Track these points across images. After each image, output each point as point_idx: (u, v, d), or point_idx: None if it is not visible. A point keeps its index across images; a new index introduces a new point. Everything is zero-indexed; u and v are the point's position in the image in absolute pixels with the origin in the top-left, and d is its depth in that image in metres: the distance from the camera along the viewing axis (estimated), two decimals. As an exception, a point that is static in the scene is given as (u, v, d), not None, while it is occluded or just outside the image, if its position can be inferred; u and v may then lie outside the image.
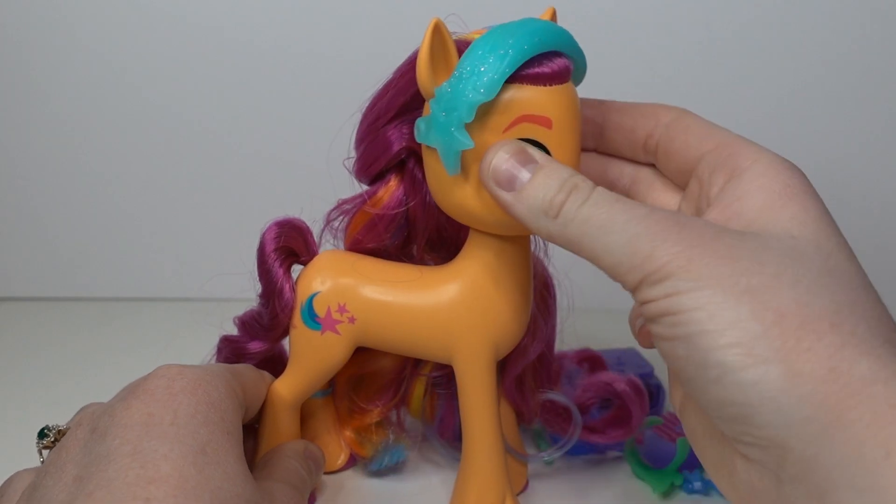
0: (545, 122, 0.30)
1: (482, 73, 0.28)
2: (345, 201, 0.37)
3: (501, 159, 0.29)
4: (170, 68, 0.60)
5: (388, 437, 0.41)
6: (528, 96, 0.30)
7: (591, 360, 0.46)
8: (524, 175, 0.29)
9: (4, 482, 0.31)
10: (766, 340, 0.23)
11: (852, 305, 0.24)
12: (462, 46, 0.30)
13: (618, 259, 0.26)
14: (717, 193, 0.29)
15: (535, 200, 0.28)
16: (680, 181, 0.32)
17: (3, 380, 0.53)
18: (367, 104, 0.35)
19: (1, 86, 0.60)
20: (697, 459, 0.40)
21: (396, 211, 0.35)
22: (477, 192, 0.31)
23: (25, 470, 0.31)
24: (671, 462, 0.40)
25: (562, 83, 0.30)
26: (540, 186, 0.28)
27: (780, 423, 0.23)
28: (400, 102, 0.33)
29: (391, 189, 0.35)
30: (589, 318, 0.41)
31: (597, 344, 0.47)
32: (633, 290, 0.26)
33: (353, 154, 0.37)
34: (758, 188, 0.28)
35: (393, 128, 0.34)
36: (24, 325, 0.61)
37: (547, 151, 0.30)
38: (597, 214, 0.27)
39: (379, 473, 0.41)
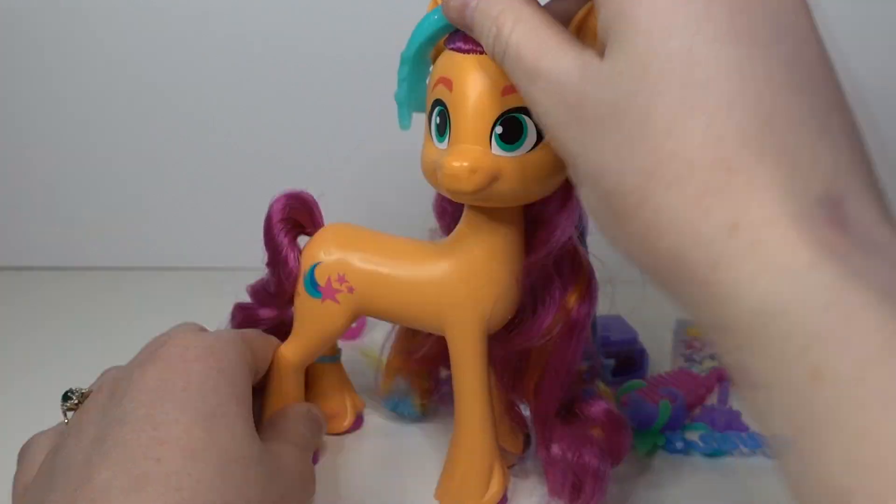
0: (448, 84, 0.31)
1: (413, 35, 0.33)
2: None
3: None
4: (182, 42, 0.60)
5: (402, 383, 0.43)
6: (448, 61, 0.32)
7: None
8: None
9: (23, 445, 0.32)
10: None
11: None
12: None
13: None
14: None
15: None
16: None
17: (27, 346, 0.54)
18: None
19: (17, 60, 0.61)
20: (680, 421, 0.42)
21: None
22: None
23: (42, 433, 0.32)
24: (654, 423, 0.41)
25: (481, 54, 0.31)
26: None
27: None
28: None
29: None
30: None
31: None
32: None
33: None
34: None
35: None
36: (46, 294, 0.62)
37: (448, 113, 0.31)
38: (514, 47, 0.26)
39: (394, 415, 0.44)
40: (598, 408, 0.37)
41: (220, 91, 0.62)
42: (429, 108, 0.33)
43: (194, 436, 0.28)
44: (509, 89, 0.30)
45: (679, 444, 0.41)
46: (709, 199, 0.20)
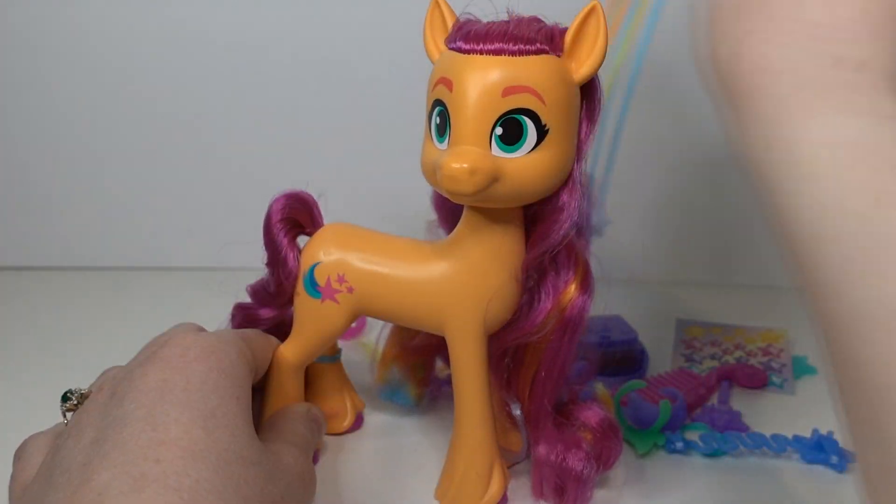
0: (448, 84, 0.31)
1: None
2: None
3: None
4: (182, 44, 0.60)
5: (397, 374, 0.43)
6: (448, 62, 0.32)
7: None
8: None
9: (20, 445, 0.32)
10: None
11: None
12: (452, 31, 0.33)
13: None
14: None
15: None
16: None
17: (27, 345, 0.54)
18: None
19: (17, 61, 0.61)
20: (679, 421, 0.41)
21: None
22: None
23: (39, 433, 0.32)
24: (654, 423, 0.41)
25: (482, 54, 0.31)
26: None
27: None
28: None
29: None
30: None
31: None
32: None
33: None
34: None
35: None
36: (46, 294, 0.62)
37: (448, 114, 0.31)
38: None
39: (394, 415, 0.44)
40: (591, 413, 0.37)
41: (220, 92, 0.62)
42: (429, 107, 0.33)
43: (194, 436, 0.28)
44: (510, 90, 0.30)
45: (679, 444, 0.41)
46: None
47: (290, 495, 0.32)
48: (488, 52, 0.31)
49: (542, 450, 0.36)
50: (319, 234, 0.38)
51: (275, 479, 0.30)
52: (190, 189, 0.65)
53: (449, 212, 0.39)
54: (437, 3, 0.33)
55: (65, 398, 0.32)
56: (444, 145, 0.32)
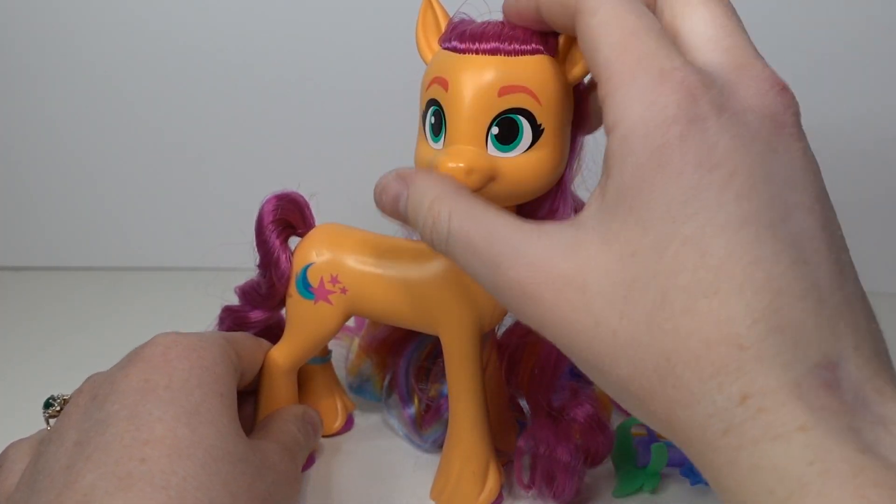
0: (444, 84, 0.31)
1: None
2: None
3: (382, 186, 0.31)
4: (178, 44, 0.60)
5: (367, 367, 0.43)
6: (443, 61, 0.32)
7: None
8: (403, 195, 0.29)
9: (1, 453, 0.32)
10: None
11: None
12: (446, 30, 0.33)
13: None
14: None
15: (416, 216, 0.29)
16: None
17: (10, 348, 0.54)
18: None
19: (16, 61, 0.61)
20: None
21: None
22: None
23: (21, 440, 0.32)
24: (647, 465, 0.39)
25: (477, 54, 0.31)
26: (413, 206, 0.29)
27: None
28: None
29: None
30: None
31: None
32: None
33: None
34: (616, 166, 0.24)
35: None
36: (31, 294, 0.62)
37: (444, 114, 0.31)
38: (455, 235, 0.27)
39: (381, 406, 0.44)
40: (580, 410, 0.38)
41: (213, 93, 0.62)
42: (423, 107, 0.32)
43: (179, 434, 0.27)
44: (505, 90, 0.30)
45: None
46: (723, 375, 0.21)
47: (277, 493, 0.31)
48: (484, 52, 0.31)
49: (531, 442, 0.37)
50: (311, 234, 0.38)
51: (262, 475, 0.30)
52: (184, 190, 0.65)
53: None
54: (429, 2, 0.33)
55: (47, 404, 0.32)
56: (440, 145, 0.31)
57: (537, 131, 0.31)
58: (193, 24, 0.60)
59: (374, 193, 0.31)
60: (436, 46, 0.33)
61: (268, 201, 0.39)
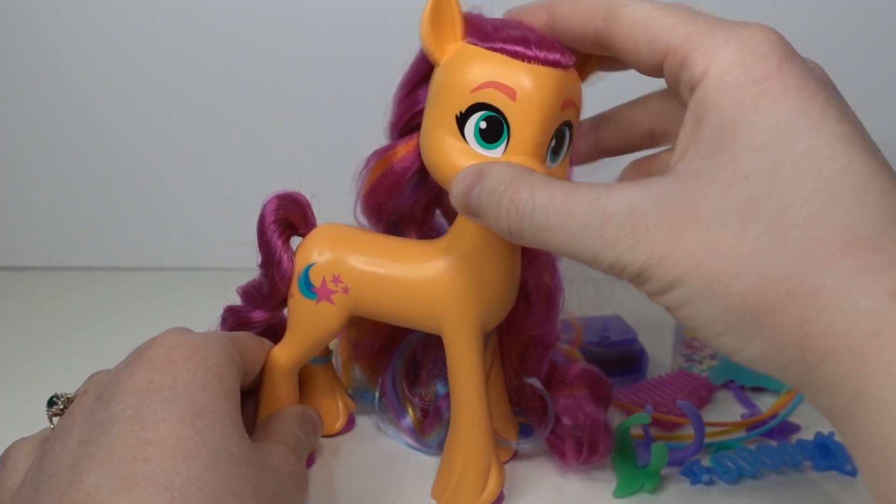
0: (510, 93, 0.30)
1: None
2: (372, 154, 0.38)
3: (458, 180, 0.30)
4: (179, 45, 0.60)
5: (361, 375, 0.44)
6: (500, 66, 0.31)
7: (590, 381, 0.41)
8: (477, 188, 0.29)
9: (5, 451, 0.32)
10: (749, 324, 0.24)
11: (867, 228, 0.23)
12: (481, 26, 0.32)
13: (590, 257, 0.26)
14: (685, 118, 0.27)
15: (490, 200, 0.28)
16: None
17: (15, 347, 0.54)
18: (407, 68, 0.36)
19: (16, 61, 0.61)
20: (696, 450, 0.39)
21: (408, 166, 0.36)
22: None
23: (24, 438, 0.32)
24: (646, 465, 0.38)
25: (543, 65, 0.31)
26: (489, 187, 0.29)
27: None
28: (429, 66, 0.34)
29: (411, 146, 0.36)
30: (574, 287, 0.41)
31: (582, 311, 0.48)
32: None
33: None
34: (713, 107, 0.25)
35: (422, 89, 0.35)
36: (31, 294, 0.62)
37: (507, 123, 0.31)
38: (544, 206, 0.27)
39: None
40: (575, 369, 0.39)
41: (214, 93, 0.61)
42: (460, 108, 0.31)
43: (183, 435, 0.27)
44: (566, 104, 0.31)
45: (705, 477, 0.39)
46: (863, 275, 0.22)
47: (283, 494, 0.31)
48: (548, 63, 0.31)
49: (570, 418, 0.38)
50: (313, 234, 0.38)
51: (266, 477, 0.30)
52: (185, 190, 0.65)
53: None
54: (434, 8, 0.31)
55: (51, 402, 0.32)
56: (496, 153, 0.31)
57: (571, 143, 0.32)
58: (193, 25, 0.60)
59: (451, 191, 0.31)
60: (454, 42, 0.32)
61: (269, 201, 0.38)
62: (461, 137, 0.32)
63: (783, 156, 0.24)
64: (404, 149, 0.36)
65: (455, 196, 0.30)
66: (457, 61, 0.32)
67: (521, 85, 0.30)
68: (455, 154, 0.32)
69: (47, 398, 0.32)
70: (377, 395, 0.43)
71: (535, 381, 0.39)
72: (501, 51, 0.31)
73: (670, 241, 0.25)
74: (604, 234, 0.26)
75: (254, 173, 0.62)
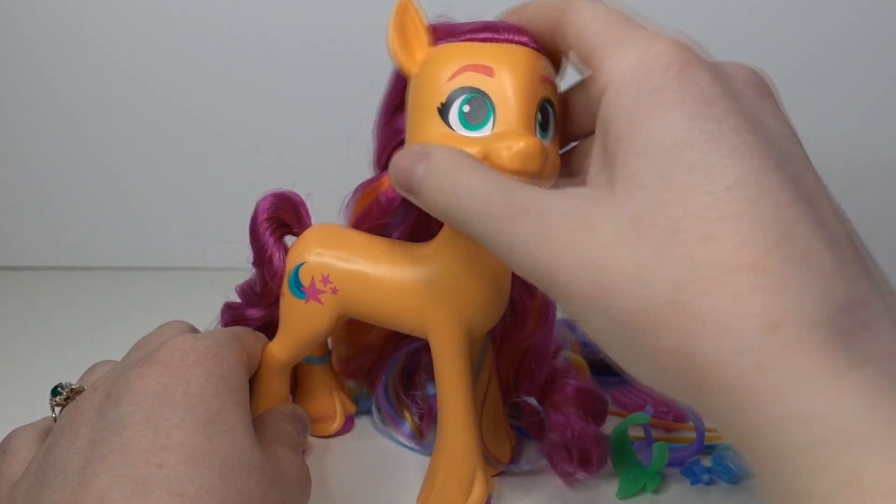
0: (487, 71, 0.30)
1: None
2: (359, 186, 0.38)
3: (400, 156, 0.30)
4: (176, 44, 0.60)
5: (360, 386, 0.44)
6: (472, 50, 0.31)
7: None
8: (419, 168, 0.29)
9: (5, 438, 0.32)
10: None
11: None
12: (447, 28, 0.32)
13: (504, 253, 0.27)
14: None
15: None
16: None
17: (10, 348, 0.54)
18: (383, 95, 0.36)
19: (16, 61, 0.61)
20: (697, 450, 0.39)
21: (394, 196, 0.36)
22: None
23: (25, 426, 0.32)
24: (647, 465, 0.38)
25: (514, 44, 0.31)
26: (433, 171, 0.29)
27: None
28: (404, 87, 0.34)
29: None
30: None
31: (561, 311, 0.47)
32: None
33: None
34: (612, 117, 0.25)
35: (400, 117, 0.35)
36: (31, 294, 0.62)
37: (490, 101, 0.30)
38: (478, 192, 0.27)
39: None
40: (569, 387, 0.39)
41: (212, 92, 0.62)
42: (441, 98, 0.31)
43: (196, 442, 0.27)
44: (545, 79, 0.31)
45: (705, 477, 0.38)
46: (747, 301, 0.20)
47: (290, 499, 0.31)
48: (520, 43, 0.31)
49: (557, 433, 0.38)
50: (305, 234, 0.38)
51: (276, 483, 0.30)
52: (184, 190, 0.65)
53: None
54: (406, 4, 0.32)
55: (55, 392, 0.32)
56: (484, 132, 0.30)
57: (556, 122, 0.31)
58: (190, 25, 0.60)
59: (390, 169, 0.31)
60: (421, 50, 0.32)
61: (263, 199, 0.39)
62: (446, 125, 0.31)
63: (675, 167, 0.22)
64: (387, 181, 0.36)
65: (396, 171, 0.30)
66: (429, 62, 0.32)
67: (496, 60, 0.30)
68: (445, 140, 0.31)
69: (50, 391, 0.32)
70: (374, 409, 0.43)
71: (531, 400, 0.39)
72: (471, 39, 0.31)
73: (572, 251, 0.24)
74: (517, 231, 0.26)
75: (254, 174, 0.62)
